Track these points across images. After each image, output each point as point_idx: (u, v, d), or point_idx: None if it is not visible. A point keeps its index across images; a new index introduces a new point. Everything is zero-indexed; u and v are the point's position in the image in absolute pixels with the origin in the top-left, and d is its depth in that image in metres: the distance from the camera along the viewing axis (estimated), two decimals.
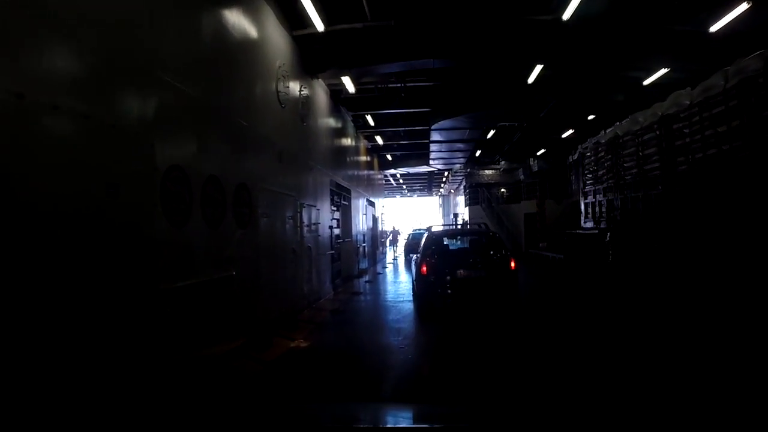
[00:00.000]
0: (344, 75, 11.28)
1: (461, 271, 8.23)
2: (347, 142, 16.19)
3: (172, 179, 4.93)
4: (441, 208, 49.39)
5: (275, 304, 7.77)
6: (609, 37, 10.65)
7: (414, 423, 2.15)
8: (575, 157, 24.36)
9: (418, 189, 44.10)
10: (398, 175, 32.43)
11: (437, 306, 8.51)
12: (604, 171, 12.18)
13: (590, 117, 16.72)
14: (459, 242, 12.63)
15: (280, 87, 8.76)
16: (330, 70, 11.21)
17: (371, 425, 2.05)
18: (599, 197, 12.74)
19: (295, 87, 9.81)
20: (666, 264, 9.43)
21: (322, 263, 11.44)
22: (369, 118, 16.15)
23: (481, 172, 30.14)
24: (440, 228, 12.13)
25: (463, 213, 34.51)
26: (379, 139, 19.27)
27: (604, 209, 12.35)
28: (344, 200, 15.31)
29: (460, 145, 21.25)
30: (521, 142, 21.26)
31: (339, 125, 14.72)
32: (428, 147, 21.00)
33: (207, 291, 5.46)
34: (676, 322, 7.28)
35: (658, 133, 9.51)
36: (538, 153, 24.56)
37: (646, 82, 12.94)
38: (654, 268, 10.01)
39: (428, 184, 39.07)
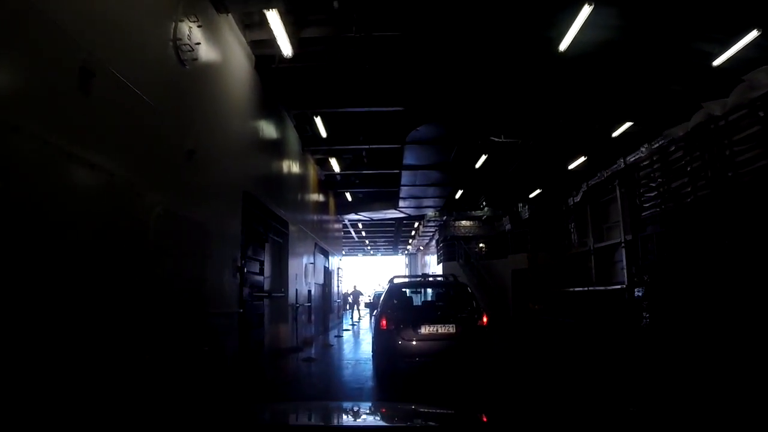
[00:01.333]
0: (268, 6, 6.64)
1: (426, 326, 7.37)
2: (288, 157, 11.40)
3: None
4: (407, 269, 44.44)
5: None
6: None
7: (379, 422, 2.17)
8: (577, 198, 20.31)
9: (382, 246, 39.24)
10: (360, 226, 27.62)
11: (399, 368, 7.51)
12: (686, 179, 7.75)
13: (622, 129, 12.52)
14: (424, 294, 11.14)
15: None
16: None
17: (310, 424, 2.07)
18: (668, 224, 8.20)
19: None
20: None
21: (219, 328, 6.21)
22: (319, 123, 11.49)
23: (457, 223, 25.73)
24: (404, 279, 10.56)
25: (435, 272, 29.70)
26: (335, 165, 14.56)
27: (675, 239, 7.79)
28: (277, 236, 10.27)
29: (437, 176, 16.70)
30: (515, 176, 16.98)
31: (273, 126, 9.98)
32: (398, 180, 16.41)
33: None
34: None
35: None
36: (532, 195, 20.36)
37: (717, 62, 8.90)
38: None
39: (394, 239, 34.32)
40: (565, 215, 21.52)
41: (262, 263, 8.83)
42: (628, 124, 12.66)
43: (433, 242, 30.80)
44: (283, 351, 9.85)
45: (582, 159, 15.79)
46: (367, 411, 2.48)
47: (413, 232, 31.81)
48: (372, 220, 22.59)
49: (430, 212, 23.13)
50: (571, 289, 18.70)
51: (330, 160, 14.21)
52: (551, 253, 21.59)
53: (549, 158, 15.69)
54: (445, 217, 23.49)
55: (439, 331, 7.38)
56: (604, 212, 19.68)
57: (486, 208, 23.21)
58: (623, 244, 17.44)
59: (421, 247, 36.53)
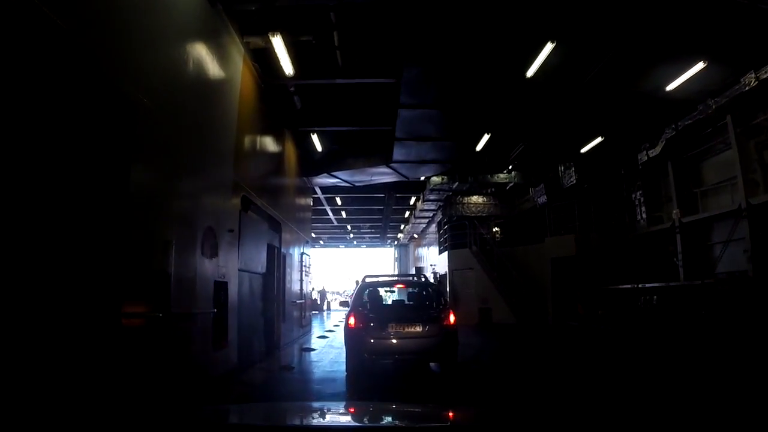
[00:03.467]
0: None
1: (393, 325, 7.39)
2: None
3: None
4: (397, 263, 37.95)
5: None
6: None
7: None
8: (654, 151, 14.01)
9: (368, 234, 32.59)
10: (338, 201, 20.98)
11: (366, 366, 7.56)
12: None
13: None
14: (394, 294, 10.80)
15: None
16: None
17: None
18: None
19: None
20: None
21: None
22: None
23: (466, 199, 19.38)
24: (376, 278, 9.30)
25: (435, 264, 23.39)
26: (283, 58, 8.02)
27: None
28: (80, 111, 3.71)
29: (456, 93, 10.06)
30: (587, 98, 10.60)
31: None
32: (395, 102, 9.91)
33: None
34: None
35: None
36: (584, 149, 13.98)
37: None
38: None
39: (383, 223, 27.64)
40: (627, 180, 15.25)
41: None
42: None
43: (433, 227, 24.36)
44: None
45: (698, 67, 9.47)
46: (360, 411, 2.49)
47: (407, 213, 25.24)
48: (354, 186, 15.98)
49: (435, 177, 16.61)
50: (667, 284, 12.31)
51: (272, 40, 7.61)
52: (607, 235, 15.35)
53: (650, 60, 9.37)
54: (456, 184, 16.88)
55: (406, 330, 7.42)
56: (695, 170, 13.46)
57: (513, 172, 16.75)
58: (745, 213, 11.23)
59: (416, 235, 30.05)
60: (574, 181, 15.21)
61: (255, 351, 8.56)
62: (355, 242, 36.25)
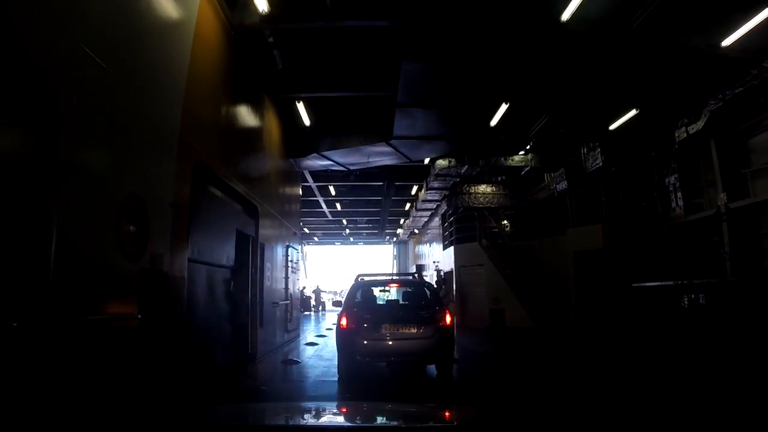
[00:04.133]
0: None
1: (387, 326, 7.12)
2: None
3: None
4: (396, 261, 36.01)
5: None
6: None
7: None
8: (696, 127, 12.13)
9: (365, 229, 30.57)
10: (332, 191, 19.04)
11: (359, 368, 7.27)
12: None
13: None
14: (389, 293, 10.14)
15: None
16: None
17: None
18: None
19: None
20: None
21: None
22: None
23: (473, 188, 17.49)
24: (370, 278, 8.98)
25: (439, 261, 21.52)
26: None
27: None
28: None
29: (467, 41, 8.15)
30: (633, 49, 8.71)
31: None
32: (398, 50, 8.00)
33: None
34: None
35: None
36: (614, 125, 12.08)
37: None
38: None
39: (381, 217, 25.66)
40: (659, 162, 13.36)
41: None
42: None
43: (436, 221, 22.45)
44: None
45: (765, 14, 7.60)
46: (358, 411, 2.43)
47: (408, 206, 23.30)
48: (348, 171, 14.05)
49: (441, 160, 14.69)
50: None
51: None
52: (638, 225, 13.50)
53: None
54: (465, 168, 14.93)
55: (401, 330, 7.16)
56: (742, 148, 11.59)
57: (530, 155, 14.85)
58: None
59: (416, 231, 28.12)
60: (600, 164, 13.32)
61: (218, 368, 6.64)
62: (351, 239, 34.28)
